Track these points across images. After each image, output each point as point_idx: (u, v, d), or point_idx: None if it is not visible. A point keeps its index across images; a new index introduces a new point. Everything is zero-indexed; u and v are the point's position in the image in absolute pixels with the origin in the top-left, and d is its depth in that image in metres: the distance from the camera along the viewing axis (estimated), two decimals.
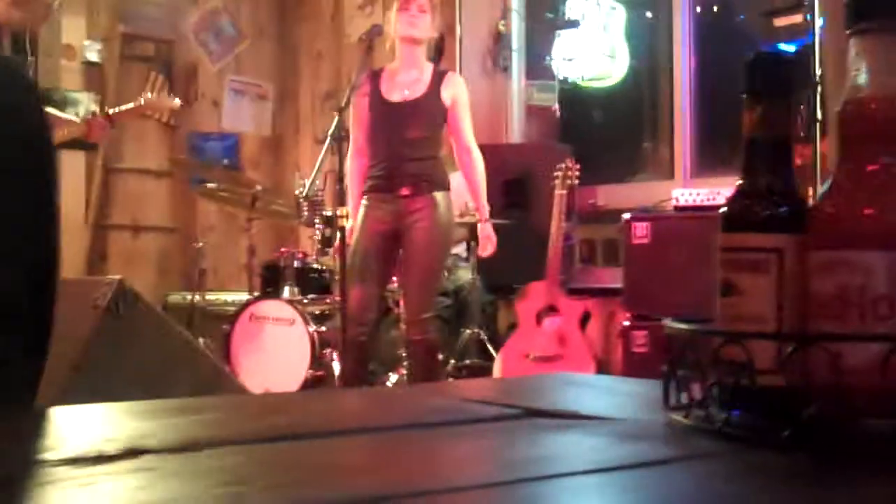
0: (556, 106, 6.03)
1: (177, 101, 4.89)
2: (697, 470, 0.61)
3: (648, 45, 6.11)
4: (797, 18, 5.05)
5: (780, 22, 5.30)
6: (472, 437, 0.73)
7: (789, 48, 4.85)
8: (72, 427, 0.84)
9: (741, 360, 0.67)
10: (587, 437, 0.71)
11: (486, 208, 4.65)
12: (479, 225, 4.70)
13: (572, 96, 6.02)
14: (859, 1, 0.67)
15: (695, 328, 0.72)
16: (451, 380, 4.99)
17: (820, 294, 0.67)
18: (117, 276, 2.50)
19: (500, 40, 6.29)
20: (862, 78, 0.67)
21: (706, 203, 4.59)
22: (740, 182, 0.72)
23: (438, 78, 4.47)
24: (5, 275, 0.86)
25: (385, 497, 0.55)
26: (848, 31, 0.68)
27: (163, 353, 2.75)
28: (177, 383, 2.77)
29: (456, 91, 4.49)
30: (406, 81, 4.47)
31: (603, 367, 4.86)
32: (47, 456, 0.67)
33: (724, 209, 0.73)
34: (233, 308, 5.73)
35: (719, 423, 0.68)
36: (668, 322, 0.75)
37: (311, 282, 5.33)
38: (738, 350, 0.67)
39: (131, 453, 0.66)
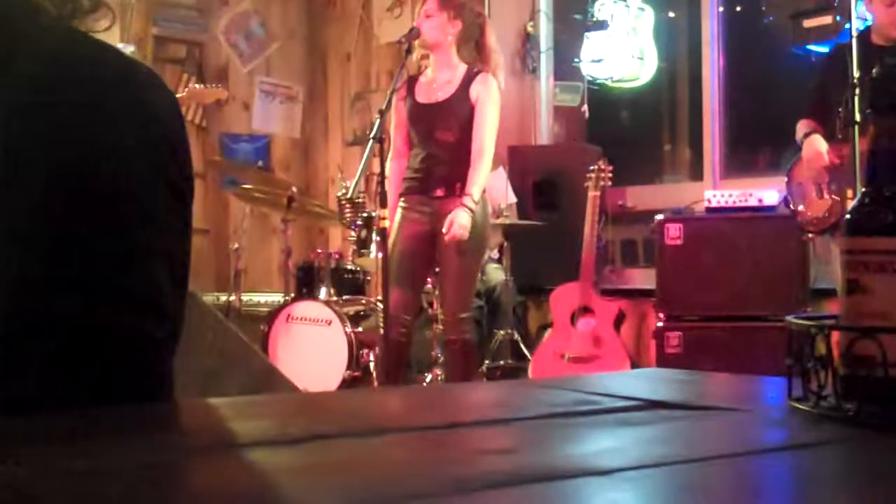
0: (585, 107, 6.07)
1: (223, 90, 4.99)
2: (844, 451, 0.67)
3: (676, 46, 6.16)
4: (827, 20, 5.08)
5: (809, 23, 5.32)
6: (610, 426, 0.79)
7: (821, 49, 4.89)
8: (200, 419, 0.89)
9: (870, 354, 0.73)
10: (723, 425, 0.77)
11: (469, 198, 4.31)
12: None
13: (600, 97, 6.07)
14: None
15: (828, 324, 0.78)
16: (485, 380, 5.05)
17: None
18: None
19: (528, 42, 6.34)
20: None
21: (738, 204, 4.64)
22: (864, 190, 0.78)
23: (469, 78, 4.50)
24: (159, 269, 0.92)
25: (526, 479, 0.60)
26: None
27: (219, 353, 2.81)
28: (232, 382, 2.83)
29: (480, 90, 4.46)
30: (438, 84, 4.52)
31: (637, 368, 4.91)
32: (244, 440, 0.73)
33: (849, 215, 0.78)
34: (267, 309, 5.80)
35: (850, 411, 0.74)
36: (793, 318, 0.80)
37: (346, 283, 5.39)
38: (868, 344, 0.73)
39: (316, 437, 0.72)
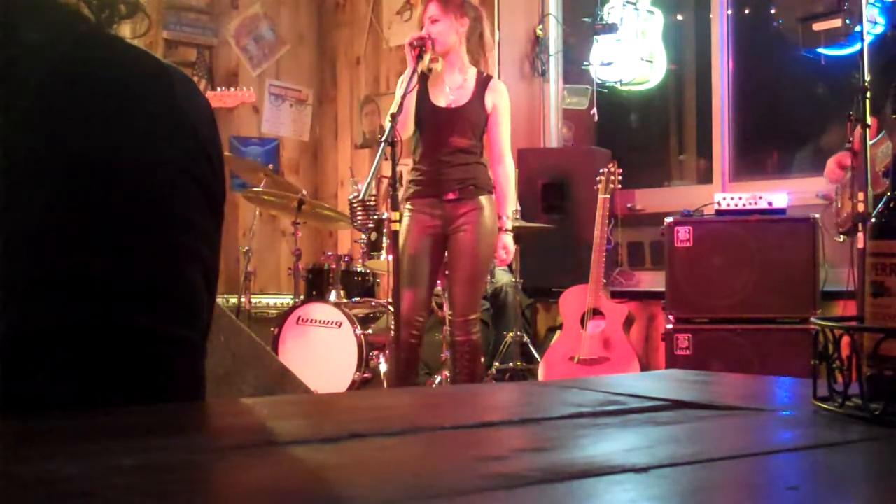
0: (594, 110, 6.08)
1: (251, 93, 5.09)
2: (871, 450, 0.69)
3: (685, 49, 6.17)
4: (836, 23, 5.08)
5: (819, 26, 5.32)
6: (639, 425, 0.81)
7: (831, 52, 4.89)
8: (236, 418, 0.91)
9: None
10: (751, 425, 0.79)
11: (508, 220, 4.59)
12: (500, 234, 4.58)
13: (609, 100, 6.08)
14: None
15: (854, 325, 0.79)
16: (493, 382, 5.06)
17: None
18: None
19: (537, 45, 6.35)
20: None
21: (747, 207, 4.64)
22: (890, 194, 0.79)
23: (483, 84, 4.52)
24: (195, 274, 0.93)
25: (564, 476, 0.62)
26: None
27: (232, 354, 2.82)
28: (245, 383, 2.85)
29: (496, 98, 4.53)
30: (451, 88, 4.51)
31: (646, 370, 4.92)
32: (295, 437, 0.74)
33: (874, 219, 0.80)
34: (276, 311, 5.82)
35: (876, 411, 0.75)
36: (818, 319, 0.82)
37: (356, 285, 5.41)
38: (894, 345, 0.74)
39: (351, 436, 0.74)
